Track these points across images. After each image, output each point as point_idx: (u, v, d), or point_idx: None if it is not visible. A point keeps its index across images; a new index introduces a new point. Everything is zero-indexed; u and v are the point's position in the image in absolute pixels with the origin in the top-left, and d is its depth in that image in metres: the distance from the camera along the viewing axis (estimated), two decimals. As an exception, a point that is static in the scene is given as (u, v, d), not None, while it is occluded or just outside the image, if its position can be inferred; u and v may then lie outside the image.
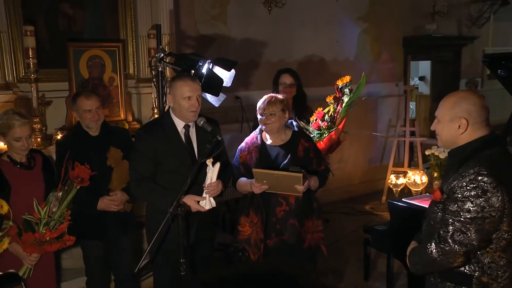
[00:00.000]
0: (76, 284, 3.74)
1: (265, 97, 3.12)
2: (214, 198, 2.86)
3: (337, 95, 3.95)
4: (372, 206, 6.51)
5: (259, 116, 3.09)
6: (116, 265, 3.44)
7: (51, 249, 2.77)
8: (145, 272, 3.55)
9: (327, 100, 3.99)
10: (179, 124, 2.92)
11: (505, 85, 2.78)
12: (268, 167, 2.99)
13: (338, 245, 5.05)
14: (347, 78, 3.92)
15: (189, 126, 2.93)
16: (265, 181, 2.94)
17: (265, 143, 3.14)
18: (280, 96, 3.13)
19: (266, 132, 3.13)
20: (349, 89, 3.89)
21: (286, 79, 4.00)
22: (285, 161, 3.03)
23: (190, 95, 2.82)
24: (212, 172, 2.77)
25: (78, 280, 3.71)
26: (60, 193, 2.79)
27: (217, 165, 2.76)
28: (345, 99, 3.88)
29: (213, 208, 2.87)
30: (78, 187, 2.85)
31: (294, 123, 3.28)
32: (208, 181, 2.79)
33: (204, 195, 2.82)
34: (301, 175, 2.85)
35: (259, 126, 3.16)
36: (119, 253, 3.38)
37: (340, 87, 3.92)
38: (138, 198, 3.11)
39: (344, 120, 3.94)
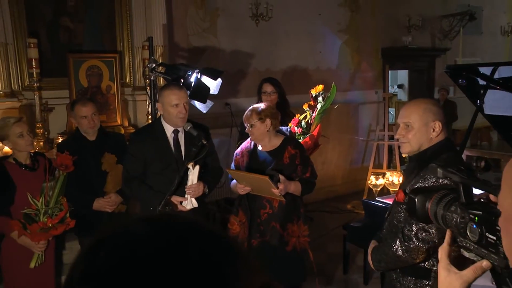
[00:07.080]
0: (75, 278, 3.77)
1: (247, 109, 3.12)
2: (197, 198, 2.87)
3: (311, 103, 3.95)
4: (354, 205, 6.52)
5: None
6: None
7: (57, 232, 2.82)
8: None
9: (304, 107, 3.98)
10: (169, 130, 2.96)
11: (465, 93, 2.83)
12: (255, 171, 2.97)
13: (320, 241, 5.06)
14: (320, 87, 3.91)
15: (178, 131, 2.97)
16: (244, 182, 2.95)
17: (257, 148, 3.12)
18: (258, 106, 3.09)
19: (253, 140, 3.13)
20: (322, 97, 3.88)
21: (267, 88, 3.97)
22: (270, 167, 3.00)
23: (177, 103, 2.85)
24: (193, 174, 2.80)
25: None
26: (50, 183, 2.83)
27: (197, 167, 2.79)
28: (319, 106, 3.88)
29: (196, 208, 2.86)
30: (65, 174, 2.88)
31: (287, 130, 3.24)
32: (189, 183, 2.82)
33: (186, 196, 2.85)
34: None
35: None
36: None
37: (314, 95, 3.92)
38: (127, 194, 3.18)
39: (319, 126, 3.90)
